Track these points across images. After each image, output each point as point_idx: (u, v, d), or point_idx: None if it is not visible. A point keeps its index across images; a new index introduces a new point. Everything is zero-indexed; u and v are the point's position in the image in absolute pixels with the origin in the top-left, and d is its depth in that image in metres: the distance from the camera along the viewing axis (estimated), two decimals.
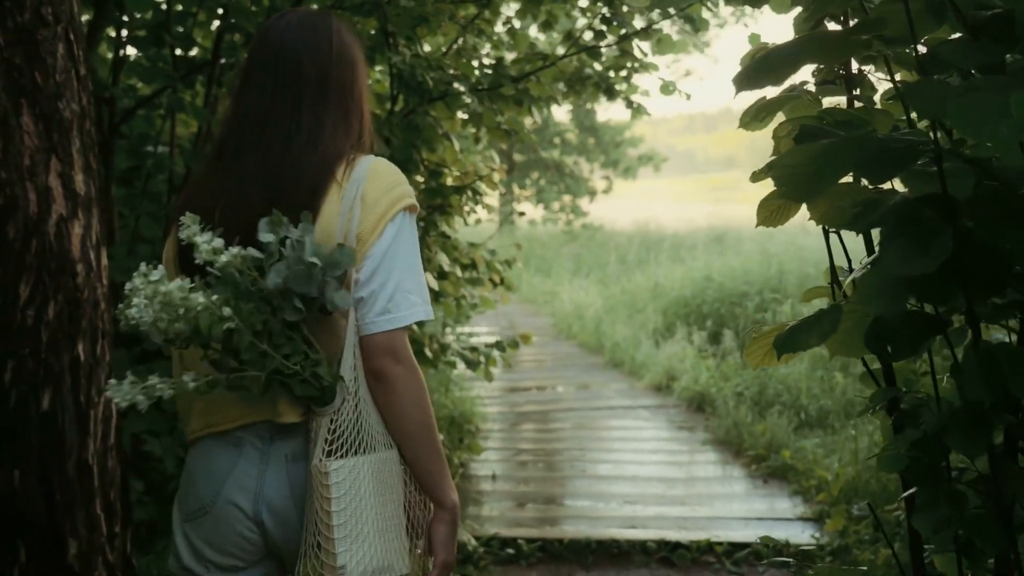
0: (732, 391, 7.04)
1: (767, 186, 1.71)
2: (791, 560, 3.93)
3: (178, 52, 4.12)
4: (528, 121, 4.98)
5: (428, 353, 4.83)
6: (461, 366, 5.47)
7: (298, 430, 1.66)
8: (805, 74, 2.07)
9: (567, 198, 22.48)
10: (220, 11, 4.14)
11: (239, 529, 1.67)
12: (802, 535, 4.54)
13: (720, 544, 4.46)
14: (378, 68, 4.68)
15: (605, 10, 4.70)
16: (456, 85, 4.18)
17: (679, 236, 17.29)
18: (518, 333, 5.59)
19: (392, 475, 1.66)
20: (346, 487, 1.57)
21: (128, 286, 1.48)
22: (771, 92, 1.81)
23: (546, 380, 8.66)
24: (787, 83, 1.62)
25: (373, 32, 4.16)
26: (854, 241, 1.84)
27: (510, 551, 4.48)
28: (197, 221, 1.55)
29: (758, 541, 4.44)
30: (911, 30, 1.27)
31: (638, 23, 4.88)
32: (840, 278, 1.80)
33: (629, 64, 5.02)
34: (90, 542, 2.36)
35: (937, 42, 1.41)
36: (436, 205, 4.52)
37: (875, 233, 1.73)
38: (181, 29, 4.11)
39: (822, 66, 1.85)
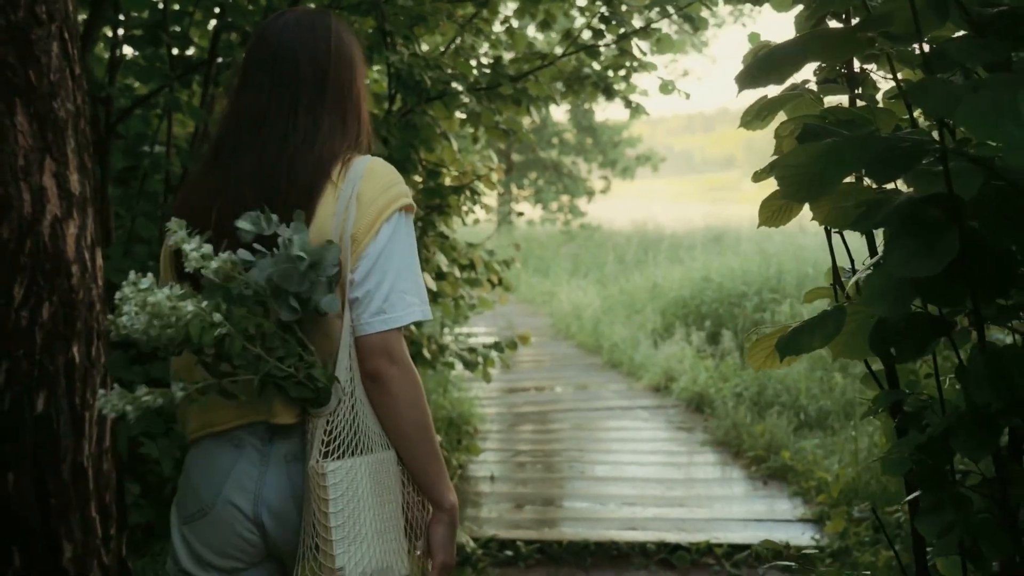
0: (731, 391, 7.02)
1: (765, 186, 1.70)
2: (793, 564, 3.91)
3: (175, 51, 4.10)
4: (526, 121, 4.97)
5: (426, 354, 4.81)
6: (459, 367, 5.45)
7: (298, 431, 1.65)
8: (806, 73, 2.06)
9: (565, 198, 22.45)
10: (217, 10, 4.12)
11: (239, 530, 1.65)
12: (802, 537, 4.52)
13: (720, 546, 4.44)
14: (376, 68, 4.67)
15: (604, 9, 4.68)
16: (454, 85, 4.16)
17: (677, 236, 17.26)
18: (516, 334, 5.57)
19: (390, 476, 1.65)
20: (343, 488, 1.56)
21: (118, 295, 1.47)
22: (772, 91, 1.80)
23: (544, 381, 8.64)
24: (788, 82, 1.61)
25: (371, 31, 4.14)
26: (855, 241, 1.82)
27: (508, 553, 4.46)
28: (183, 226, 1.54)
29: (758, 543, 4.42)
30: (916, 27, 1.25)
31: (637, 22, 4.86)
32: (841, 279, 1.79)
33: (628, 63, 5.00)
34: (85, 545, 2.34)
35: (941, 40, 1.40)
36: (434, 205, 4.50)
37: (878, 234, 1.72)
38: (178, 28, 4.09)
39: (824, 65, 1.84)
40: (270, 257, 1.53)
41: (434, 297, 4.62)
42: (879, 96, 1.80)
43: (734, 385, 7.15)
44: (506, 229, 19.15)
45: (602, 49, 4.94)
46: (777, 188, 1.63)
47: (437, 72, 4.06)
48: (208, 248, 1.52)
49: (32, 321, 2.21)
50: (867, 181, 1.59)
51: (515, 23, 5.20)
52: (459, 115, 4.62)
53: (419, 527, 1.73)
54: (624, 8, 4.71)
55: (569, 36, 4.98)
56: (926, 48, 1.32)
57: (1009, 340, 1.86)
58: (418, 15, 4.09)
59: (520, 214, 10.60)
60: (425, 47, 4.84)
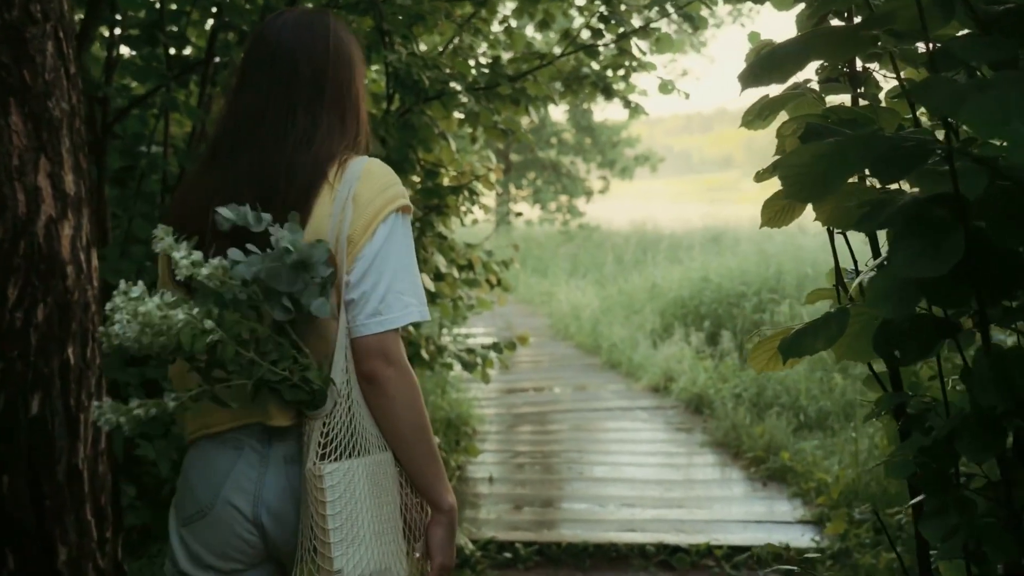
0: (730, 392, 7.01)
1: (763, 187, 1.68)
2: (796, 569, 3.90)
3: (172, 51, 4.08)
4: (525, 121, 4.95)
5: (425, 354, 4.79)
6: (458, 367, 5.43)
7: (297, 432, 1.64)
8: (807, 72, 2.04)
9: (564, 198, 22.43)
10: (214, 9, 4.10)
11: (239, 531, 1.65)
12: (802, 538, 4.51)
13: (720, 548, 4.43)
14: (374, 67, 4.65)
15: (603, 8, 4.66)
16: (452, 84, 4.15)
17: (676, 236, 17.25)
18: (515, 334, 5.56)
19: (387, 478, 1.64)
20: (341, 490, 1.56)
21: (109, 305, 1.47)
22: (773, 91, 1.79)
23: (543, 381, 8.63)
24: (790, 81, 1.59)
25: (369, 31, 4.12)
26: (855, 242, 1.81)
27: (507, 555, 4.44)
28: (170, 233, 1.52)
29: (758, 545, 4.40)
30: (922, 24, 1.23)
31: (635, 22, 4.85)
32: (844, 280, 1.77)
33: (627, 63, 4.98)
34: (80, 548, 2.32)
35: (945, 39, 1.38)
36: (432, 205, 4.49)
37: (880, 235, 1.70)
38: (175, 28, 4.07)
39: (826, 64, 1.82)
40: (259, 255, 1.52)
41: (432, 298, 4.61)
42: (881, 95, 1.79)
43: (733, 386, 7.13)
44: (504, 229, 19.13)
45: (601, 49, 4.93)
46: (779, 188, 1.63)
47: (435, 72, 4.04)
48: (198, 254, 1.51)
49: (27, 322, 2.19)
50: (869, 181, 1.57)
51: (514, 23, 5.19)
52: (457, 115, 4.60)
53: (417, 529, 1.73)
54: (623, 7, 4.69)
55: (568, 36, 4.96)
56: (932, 46, 1.30)
57: (1010, 341, 1.85)
58: (416, 14, 4.07)
59: (518, 214, 10.57)
60: (423, 47, 4.82)
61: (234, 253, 1.52)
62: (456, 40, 4.81)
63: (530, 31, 5.83)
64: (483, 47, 5.20)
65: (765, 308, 9.00)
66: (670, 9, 4.65)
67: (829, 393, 6.57)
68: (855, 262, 1.74)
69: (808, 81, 1.81)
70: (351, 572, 1.56)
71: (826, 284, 1.84)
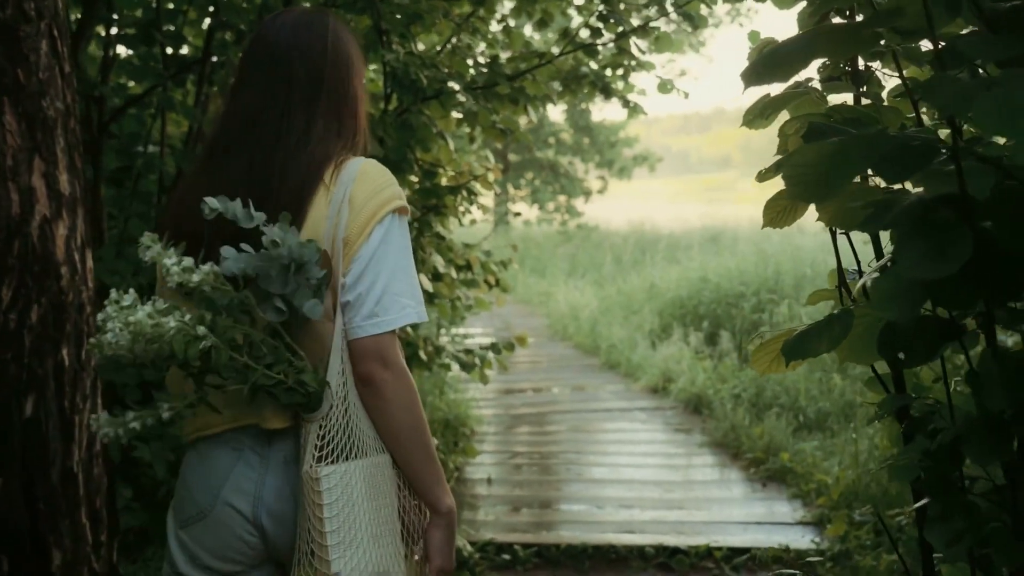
0: (729, 393, 6.99)
1: (762, 187, 1.67)
2: (797, 573, 3.88)
3: (169, 50, 4.07)
4: (524, 120, 4.93)
5: (423, 355, 4.77)
6: (456, 368, 5.41)
7: (295, 434, 1.64)
8: (808, 72, 2.02)
9: (562, 198, 22.42)
10: (211, 9, 4.08)
11: (239, 533, 1.64)
12: (802, 540, 4.49)
13: (719, 549, 4.41)
14: (372, 67, 4.63)
15: (601, 7, 4.64)
16: (451, 84, 4.12)
17: (674, 236, 17.24)
18: (514, 334, 5.53)
19: (385, 480, 1.64)
20: (338, 493, 1.56)
21: (100, 316, 1.47)
22: (774, 90, 1.77)
23: (541, 382, 8.61)
24: (792, 80, 1.58)
25: (366, 30, 4.10)
26: (856, 241, 1.79)
27: (506, 557, 4.42)
28: (156, 240, 1.52)
29: (758, 546, 4.39)
30: (928, 22, 1.21)
31: (634, 21, 4.83)
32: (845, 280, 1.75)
33: (626, 62, 4.96)
34: (75, 552, 2.30)
35: (949, 37, 1.36)
36: (431, 205, 4.46)
37: (883, 235, 1.68)
38: (172, 27, 4.06)
39: (828, 62, 1.81)
40: (249, 254, 1.51)
41: (430, 298, 4.59)
42: (884, 94, 1.77)
43: (732, 386, 7.11)
44: (503, 229, 19.11)
45: (600, 48, 4.91)
46: (780, 188, 1.61)
47: (433, 71, 4.02)
48: (188, 260, 1.50)
49: (20, 324, 2.17)
50: (872, 181, 1.56)
51: (512, 22, 5.17)
52: (456, 115, 4.58)
53: (416, 531, 1.72)
54: (622, 6, 4.67)
55: (567, 34, 4.95)
56: (938, 43, 1.28)
57: (1010, 342, 1.83)
58: (414, 13, 4.05)
59: (517, 214, 10.54)
60: (421, 46, 4.79)
61: (227, 251, 1.51)
62: (454, 39, 4.79)
63: (528, 30, 5.81)
64: (481, 46, 5.18)
65: (764, 308, 8.99)
66: (669, 8, 4.63)
67: (828, 394, 6.56)
68: (858, 263, 1.73)
69: (810, 80, 1.79)
70: (349, 575, 1.56)
71: (826, 284, 1.83)
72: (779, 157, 1.67)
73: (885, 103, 1.73)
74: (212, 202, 1.51)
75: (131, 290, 1.48)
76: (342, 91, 1.75)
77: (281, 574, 1.71)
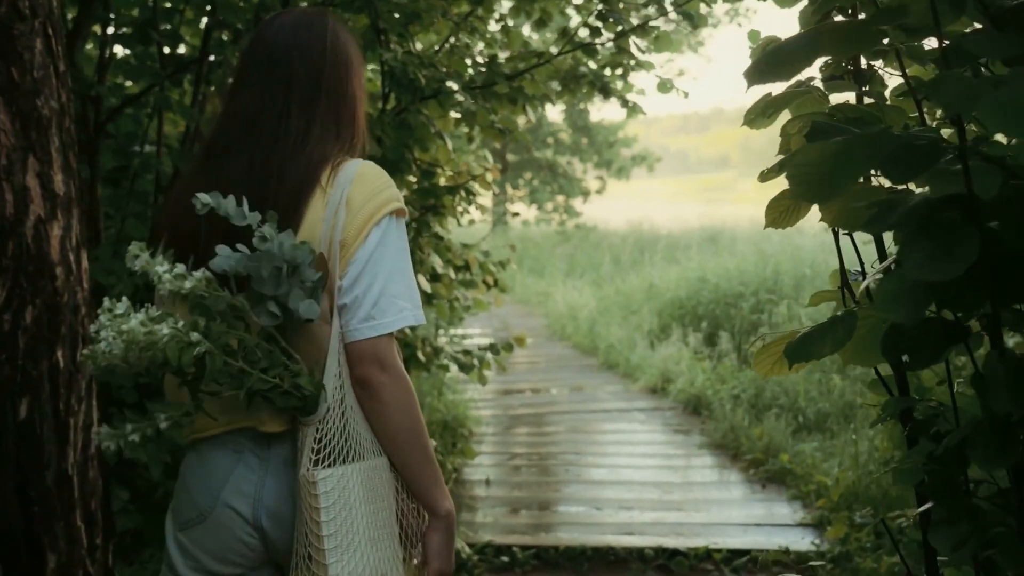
0: (728, 393, 6.97)
1: (761, 187, 1.65)
2: None
3: (165, 50, 4.05)
4: (522, 120, 4.91)
5: (421, 356, 4.75)
6: (454, 369, 5.40)
7: (293, 437, 1.63)
8: (810, 70, 2.01)
9: (560, 198, 22.41)
10: (208, 8, 4.06)
11: (239, 535, 1.64)
12: (802, 542, 4.47)
13: (719, 551, 4.39)
14: (370, 66, 4.60)
15: (600, 6, 4.62)
16: (449, 83, 4.10)
17: (673, 236, 17.22)
18: (512, 335, 5.51)
19: (383, 483, 1.63)
20: (335, 496, 1.55)
21: (93, 327, 1.46)
22: (775, 89, 1.75)
23: (540, 382, 8.59)
24: (794, 79, 1.56)
25: (364, 29, 4.08)
26: (856, 241, 1.77)
27: (504, 559, 4.40)
28: (144, 249, 1.51)
29: (757, 548, 4.37)
30: (935, 19, 1.20)
31: (634, 20, 4.81)
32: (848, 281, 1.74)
33: (625, 62, 4.94)
34: (70, 555, 2.28)
35: (953, 35, 1.34)
36: (429, 205, 4.44)
37: (887, 236, 1.66)
38: (168, 26, 4.04)
39: (830, 61, 1.79)
40: (242, 254, 1.50)
41: (429, 299, 4.58)
42: (886, 93, 1.75)
43: (731, 387, 7.10)
44: (501, 230, 19.10)
45: (599, 47, 4.89)
46: (782, 189, 1.59)
47: (432, 70, 4.00)
48: (180, 267, 1.50)
49: (15, 325, 2.15)
50: (876, 181, 1.54)
51: (510, 21, 5.15)
52: (454, 114, 4.56)
53: (414, 535, 1.71)
54: (621, 5, 4.65)
55: (566, 34, 4.93)
56: (944, 41, 1.26)
57: (1011, 343, 1.81)
58: (412, 12, 4.04)
59: (515, 214, 10.54)
60: (420, 45, 4.78)
61: (221, 249, 1.50)
62: (453, 39, 4.77)
63: (527, 30, 5.80)
64: (480, 46, 5.16)
65: (763, 308, 8.97)
66: (669, 7, 4.61)
67: (828, 394, 6.54)
68: (862, 263, 1.71)
69: (811, 79, 1.77)
70: None
71: (826, 285, 1.81)
72: (781, 157, 1.65)
73: (888, 102, 1.71)
74: (204, 197, 1.50)
75: (124, 298, 1.48)
76: (341, 91, 1.74)
77: None
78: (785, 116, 1.77)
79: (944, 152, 1.17)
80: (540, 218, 22.38)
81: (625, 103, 5.18)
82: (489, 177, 4.82)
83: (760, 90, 1.66)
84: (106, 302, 1.46)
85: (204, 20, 4.24)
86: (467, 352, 5.21)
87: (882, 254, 1.67)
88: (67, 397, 2.27)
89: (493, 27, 5.08)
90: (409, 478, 1.67)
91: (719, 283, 9.90)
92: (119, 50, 4.17)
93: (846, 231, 1.65)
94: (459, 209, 4.81)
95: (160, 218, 1.70)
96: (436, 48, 4.80)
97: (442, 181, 4.68)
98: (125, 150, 4.04)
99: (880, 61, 1.73)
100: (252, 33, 1.82)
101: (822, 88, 1.75)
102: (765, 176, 1.52)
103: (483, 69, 4.59)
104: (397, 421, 1.62)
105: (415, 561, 1.71)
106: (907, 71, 1.58)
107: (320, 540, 1.53)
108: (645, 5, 4.67)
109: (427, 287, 4.43)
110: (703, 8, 4.61)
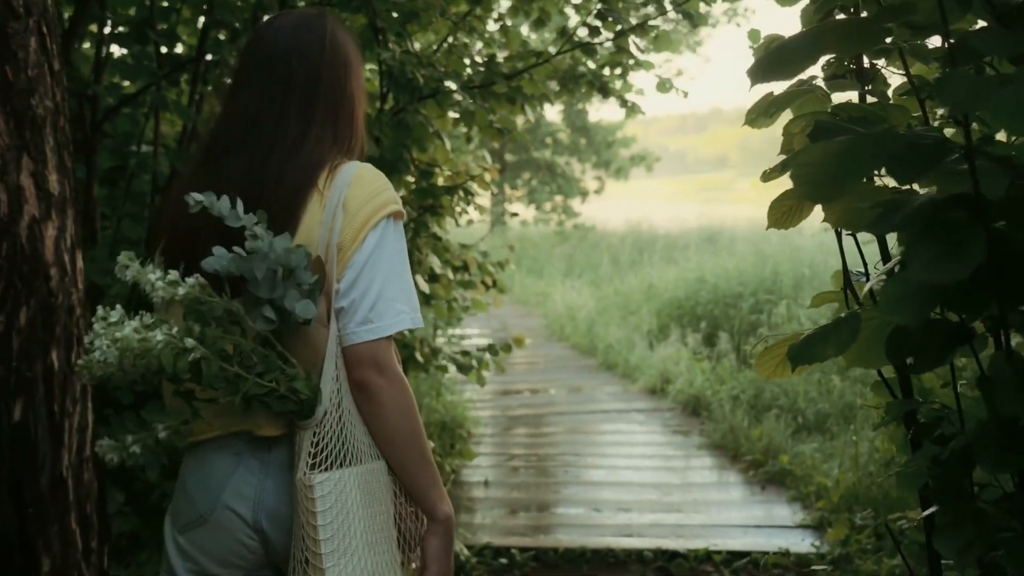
0: (728, 394, 6.95)
1: (759, 187, 1.63)
2: None
3: (162, 49, 4.04)
4: (521, 120, 4.89)
5: (419, 357, 4.73)
6: (453, 370, 5.38)
7: (291, 441, 1.62)
8: (811, 69, 1.99)
9: (559, 198, 22.40)
10: (205, 7, 4.04)
11: (239, 537, 1.63)
12: (802, 543, 4.46)
13: (719, 553, 4.37)
14: (368, 66, 4.58)
15: (599, 6, 4.60)
16: (447, 83, 4.08)
17: (671, 236, 17.21)
18: (511, 335, 5.49)
19: (380, 487, 1.62)
20: (332, 500, 1.54)
21: (87, 337, 1.45)
22: (776, 88, 1.74)
23: (539, 383, 8.58)
24: (796, 78, 1.54)
25: (362, 28, 4.06)
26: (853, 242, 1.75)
27: (503, 561, 4.38)
28: (133, 258, 1.51)
29: (757, 550, 4.35)
30: (942, 16, 1.18)
31: (633, 20, 4.79)
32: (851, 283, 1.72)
33: (624, 61, 4.93)
34: (65, 558, 2.26)
35: (960, 33, 1.33)
36: (427, 206, 4.42)
37: (890, 236, 1.65)
38: (165, 25, 4.02)
39: (831, 60, 1.77)
40: (236, 255, 1.49)
41: (427, 299, 4.56)
42: (889, 92, 1.74)
43: (731, 388, 7.08)
44: (500, 230, 19.09)
45: (598, 47, 4.87)
46: (781, 189, 1.57)
47: (430, 70, 3.98)
48: (174, 274, 1.49)
49: (9, 326, 2.13)
50: (879, 181, 1.52)
51: (509, 21, 5.13)
52: (452, 114, 4.54)
53: (413, 538, 1.70)
54: (620, 5, 4.64)
55: (564, 33, 4.91)
56: (952, 40, 1.25)
57: (1014, 344, 1.79)
58: (411, 12, 4.02)
59: (514, 215, 10.53)
60: (418, 45, 4.76)
61: (217, 250, 1.48)
62: (451, 38, 4.75)
63: (525, 29, 5.77)
64: (478, 45, 5.15)
65: (762, 309, 8.95)
66: (668, 6, 4.59)
67: (828, 395, 6.52)
68: (865, 264, 1.69)
69: (814, 78, 1.76)
70: None
71: (825, 285, 1.79)
72: (783, 157, 1.64)
73: (891, 101, 1.70)
74: (197, 196, 1.48)
75: (118, 306, 1.47)
76: (339, 92, 1.74)
77: None
78: (786, 116, 1.75)
79: (950, 151, 1.15)
80: (539, 218, 22.37)
81: (624, 103, 5.16)
82: (487, 177, 4.80)
83: (761, 90, 1.65)
84: (99, 310, 1.45)
85: (201, 19, 4.22)
86: (465, 353, 5.19)
87: (885, 255, 1.66)
88: (62, 399, 2.25)
89: (492, 26, 5.06)
90: (407, 482, 1.66)
91: (718, 283, 9.88)
92: (116, 49, 4.15)
93: (849, 232, 1.64)
94: (457, 209, 4.78)
95: (159, 219, 1.68)
96: (434, 48, 4.78)
97: (440, 181, 4.66)
98: (122, 150, 4.03)
99: (882, 60, 1.72)
100: (251, 33, 1.82)
101: (824, 87, 1.73)
102: (768, 176, 1.50)
103: (481, 69, 4.57)
104: (395, 424, 1.61)
105: (413, 565, 1.70)
106: (912, 69, 1.56)
107: (317, 544, 1.52)
108: (644, 4, 4.65)
109: (425, 288, 4.42)
110: (702, 7, 4.59)
